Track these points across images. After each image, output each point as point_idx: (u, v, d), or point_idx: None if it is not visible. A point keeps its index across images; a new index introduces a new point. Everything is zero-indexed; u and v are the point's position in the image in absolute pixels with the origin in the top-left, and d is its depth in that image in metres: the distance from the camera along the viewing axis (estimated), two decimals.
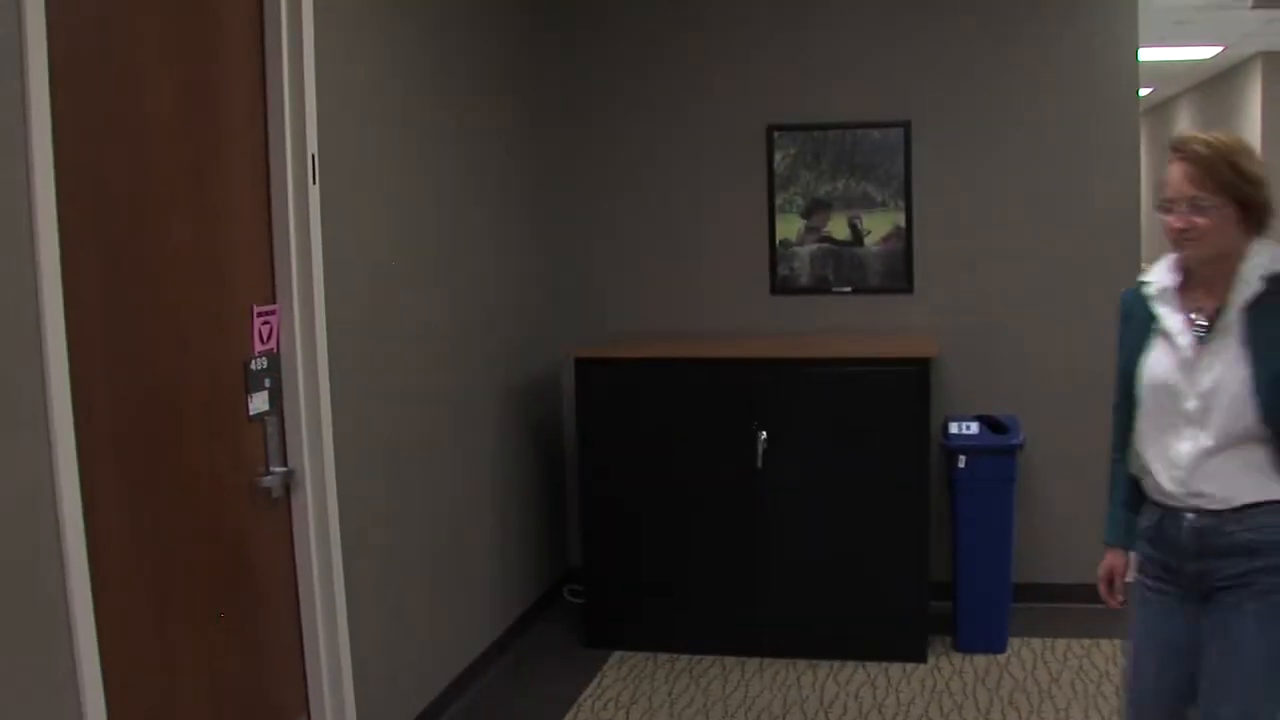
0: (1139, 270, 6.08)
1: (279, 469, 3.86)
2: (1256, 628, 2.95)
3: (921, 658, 5.47)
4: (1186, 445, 3.02)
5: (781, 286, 6.25)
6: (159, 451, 3.33)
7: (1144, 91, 13.43)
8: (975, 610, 5.54)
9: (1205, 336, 3.02)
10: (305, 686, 4.06)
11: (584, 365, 5.70)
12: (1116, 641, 5.54)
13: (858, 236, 6.14)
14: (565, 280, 6.46)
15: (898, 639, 5.49)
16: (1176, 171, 3.00)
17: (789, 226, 6.21)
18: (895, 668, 5.41)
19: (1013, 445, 5.47)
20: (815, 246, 6.19)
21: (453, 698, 5.09)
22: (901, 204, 6.09)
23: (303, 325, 3.93)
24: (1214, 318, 3.01)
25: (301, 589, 4.01)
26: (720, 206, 6.30)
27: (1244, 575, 2.96)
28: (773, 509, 5.54)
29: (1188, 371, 3.02)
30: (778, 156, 6.18)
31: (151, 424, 3.29)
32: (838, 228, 6.16)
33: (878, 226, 6.12)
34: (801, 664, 5.50)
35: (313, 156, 3.93)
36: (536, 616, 6.14)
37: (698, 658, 5.62)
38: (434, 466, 4.99)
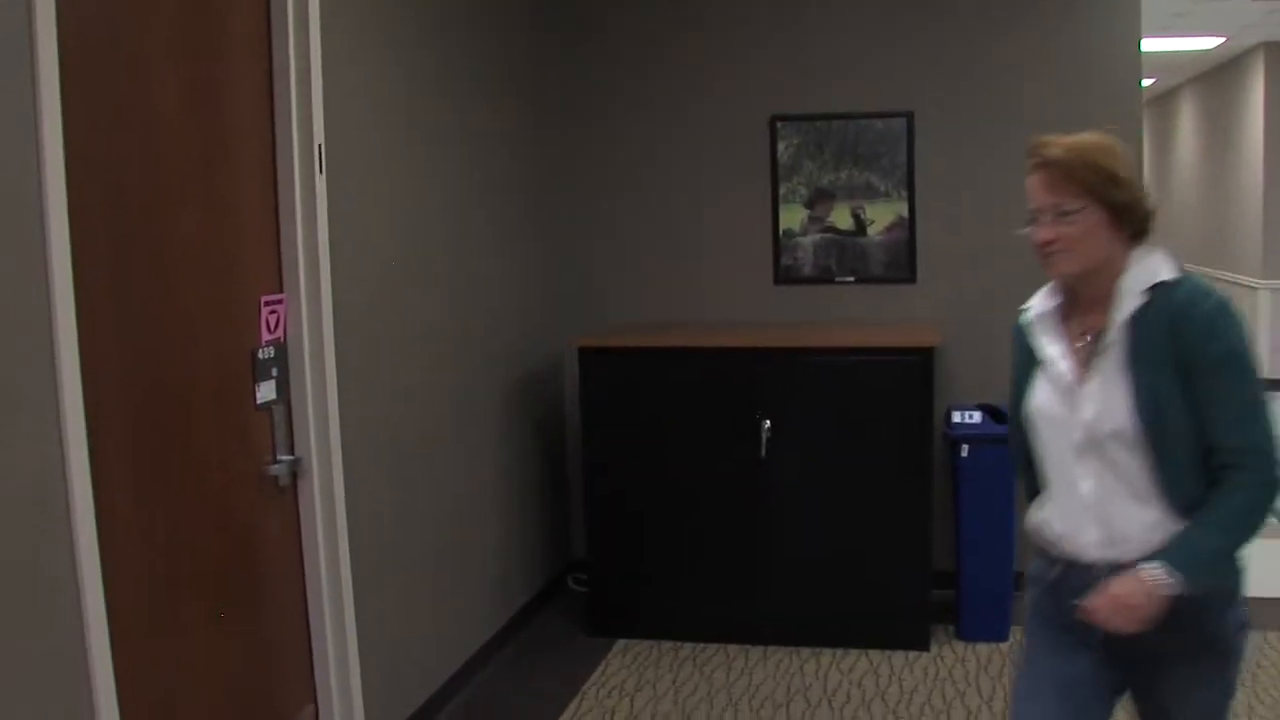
0: None
1: (286, 457, 3.88)
2: (1194, 697, 2.78)
3: (924, 646, 5.49)
4: (1088, 485, 2.78)
5: (785, 276, 6.27)
6: (168, 440, 3.35)
7: (1146, 82, 13.44)
8: (978, 599, 5.56)
9: (1092, 360, 2.77)
10: (312, 674, 4.08)
11: (587, 355, 5.71)
12: None
13: (860, 226, 6.16)
14: (568, 275, 6.47)
15: (900, 627, 5.51)
16: (1034, 180, 2.77)
17: (792, 216, 6.23)
18: (898, 656, 5.43)
19: None
20: (818, 236, 6.21)
21: (459, 685, 5.12)
22: (904, 194, 6.10)
23: (310, 315, 3.95)
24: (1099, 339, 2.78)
25: (308, 576, 4.04)
26: (723, 198, 6.31)
27: (1161, 643, 2.70)
28: (776, 498, 5.57)
29: (1069, 401, 2.79)
30: (780, 147, 6.19)
31: (161, 413, 3.32)
32: (841, 218, 6.17)
33: (880, 216, 6.13)
34: (805, 652, 5.52)
35: (319, 146, 3.94)
36: (541, 606, 6.17)
37: (701, 646, 5.65)
38: (439, 457, 5.01)
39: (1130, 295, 2.71)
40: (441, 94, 5.07)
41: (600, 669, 5.42)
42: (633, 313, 6.42)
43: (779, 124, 6.18)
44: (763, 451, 5.51)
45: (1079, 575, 2.79)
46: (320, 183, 3.96)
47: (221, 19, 3.62)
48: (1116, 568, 2.70)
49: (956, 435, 5.52)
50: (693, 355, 5.67)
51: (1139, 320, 2.70)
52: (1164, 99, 16.79)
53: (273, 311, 3.82)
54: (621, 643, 5.72)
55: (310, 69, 3.90)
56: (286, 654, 3.97)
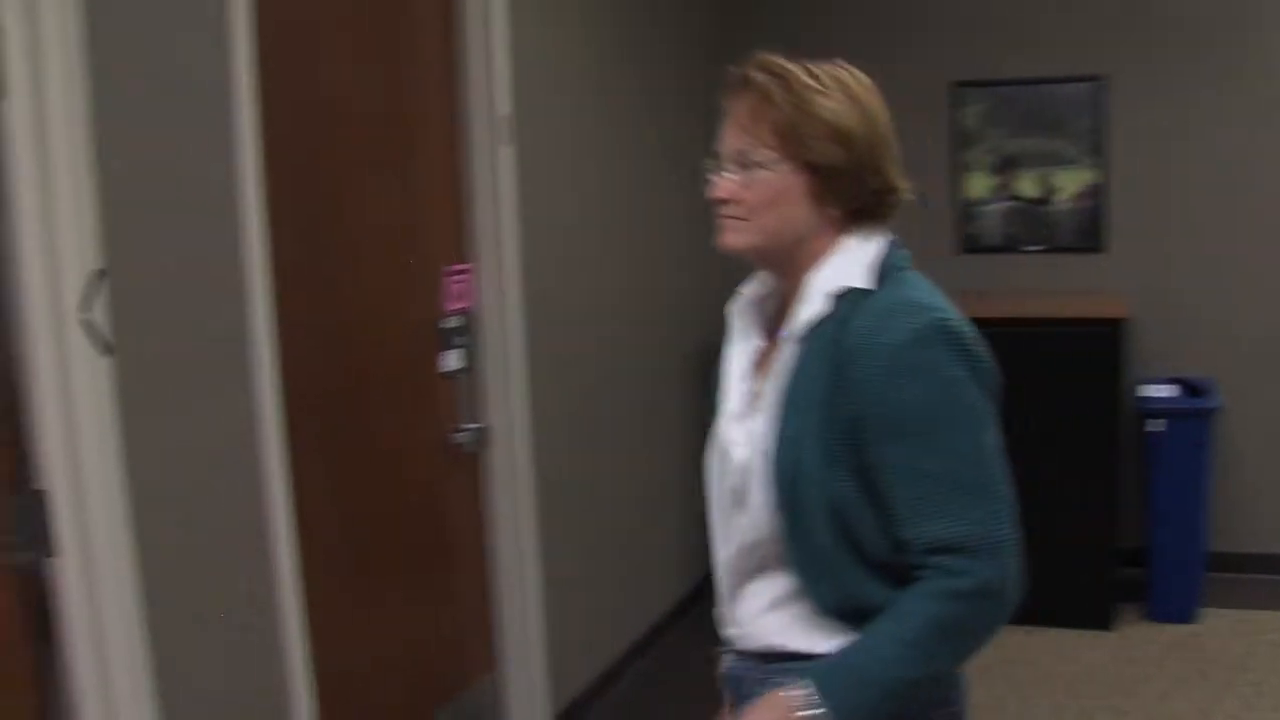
0: None
1: (472, 425, 3.92)
2: None
3: (1106, 625, 5.35)
4: (729, 550, 2.04)
5: (970, 245, 6.14)
6: (355, 408, 3.42)
7: None
8: (1167, 578, 5.38)
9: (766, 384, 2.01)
10: (491, 643, 4.13)
11: None
12: None
13: (1048, 194, 6.00)
14: None
15: (1082, 604, 5.37)
16: (729, 112, 2.02)
17: (977, 185, 6.09)
18: (1078, 634, 5.28)
19: (1210, 408, 5.30)
20: (1004, 205, 6.06)
21: (636, 656, 5.14)
22: (1093, 161, 5.92)
23: (496, 284, 3.98)
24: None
25: (493, 544, 4.08)
26: (905, 165, 6.19)
27: None
28: None
29: (729, 435, 2.05)
30: (965, 114, 6.06)
31: (348, 381, 3.39)
32: (1027, 185, 6.02)
33: (1068, 184, 5.96)
34: None
35: (505, 118, 3.96)
36: None
37: None
38: (625, 428, 5.03)
39: (813, 299, 1.94)
40: (628, 61, 5.06)
41: None
42: None
43: (961, 90, 6.04)
44: None
45: (727, 656, 2.15)
46: (506, 154, 3.97)
47: None
48: (739, 655, 2.08)
49: (1149, 409, 5.35)
50: None
51: (809, 340, 1.93)
52: None
53: (459, 281, 3.86)
54: None
55: (494, 40, 3.92)
56: (469, 621, 4.02)
